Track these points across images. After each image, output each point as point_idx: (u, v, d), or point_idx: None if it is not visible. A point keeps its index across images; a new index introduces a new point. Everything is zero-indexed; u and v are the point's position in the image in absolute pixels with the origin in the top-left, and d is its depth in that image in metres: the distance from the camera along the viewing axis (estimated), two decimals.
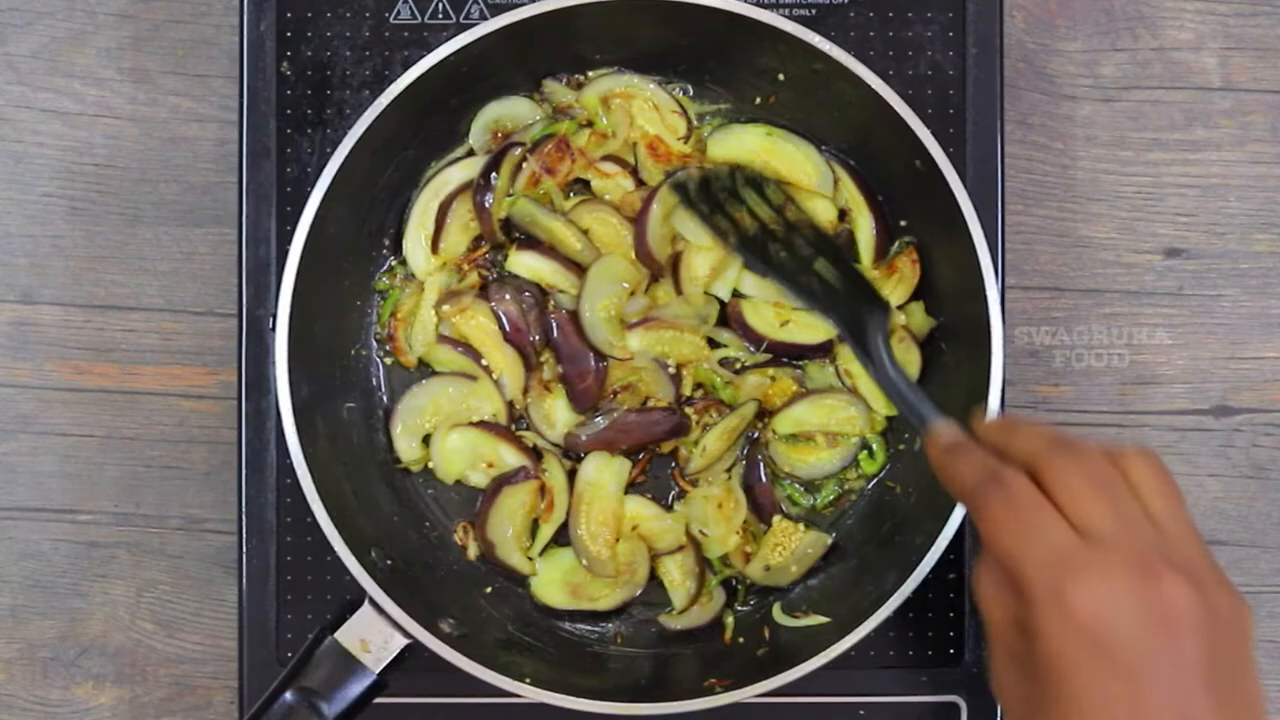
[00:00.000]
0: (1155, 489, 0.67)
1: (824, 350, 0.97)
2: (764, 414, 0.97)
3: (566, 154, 0.96)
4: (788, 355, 0.97)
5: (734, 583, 0.97)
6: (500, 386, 0.97)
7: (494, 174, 0.95)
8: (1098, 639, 0.61)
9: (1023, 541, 0.65)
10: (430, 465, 0.97)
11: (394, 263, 0.98)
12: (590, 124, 0.97)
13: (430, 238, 0.96)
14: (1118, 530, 0.64)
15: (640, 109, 0.97)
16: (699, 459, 0.96)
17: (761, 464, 0.97)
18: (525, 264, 0.96)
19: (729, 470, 0.98)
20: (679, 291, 0.96)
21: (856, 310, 0.87)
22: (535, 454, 0.97)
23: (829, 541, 0.96)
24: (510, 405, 0.97)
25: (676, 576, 0.96)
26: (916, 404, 0.81)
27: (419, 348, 0.97)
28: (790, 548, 0.96)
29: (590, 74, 0.97)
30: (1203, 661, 0.61)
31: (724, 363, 0.98)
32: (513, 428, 0.98)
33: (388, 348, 0.98)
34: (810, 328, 0.97)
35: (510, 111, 0.97)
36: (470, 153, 0.97)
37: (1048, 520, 0.65)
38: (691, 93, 0.98)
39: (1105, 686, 0.61)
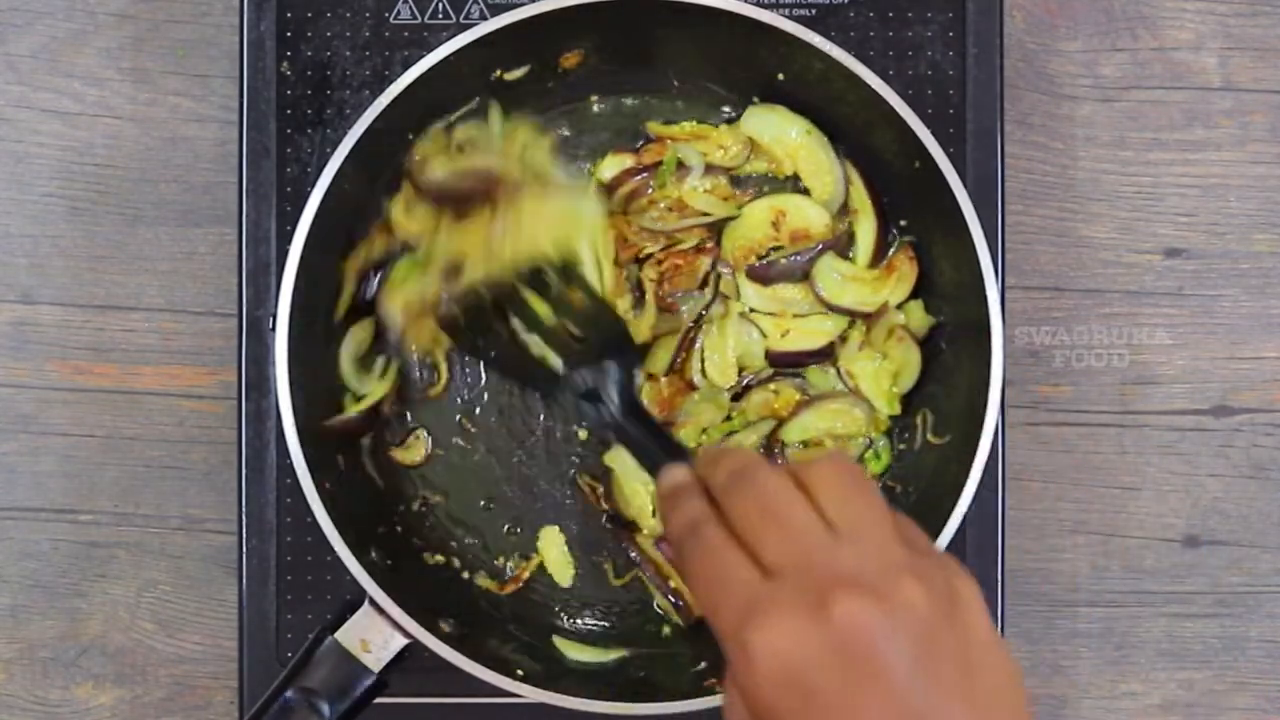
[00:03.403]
0: (835, 494, 0.60)
1: (825, 355, 0.97)
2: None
3: None
4: (790, 365, 0.97)
5: None
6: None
7: None
8: (792, 683, 0.55)
9: (715, 592, 0.59)
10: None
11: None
12: None
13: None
14: (790, 557, 0.58)
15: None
16: None
17: None
18: None
19: None
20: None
21: (601, 357, 0.84)
22: None
23: None
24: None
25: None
26: (646, 448, 0.76)
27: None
28: None
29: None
30: (915, 663, 0.55)
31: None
32: None
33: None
34: (809, 334, 0.96)
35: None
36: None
37: (730, 564, 0.59)
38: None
39: None
